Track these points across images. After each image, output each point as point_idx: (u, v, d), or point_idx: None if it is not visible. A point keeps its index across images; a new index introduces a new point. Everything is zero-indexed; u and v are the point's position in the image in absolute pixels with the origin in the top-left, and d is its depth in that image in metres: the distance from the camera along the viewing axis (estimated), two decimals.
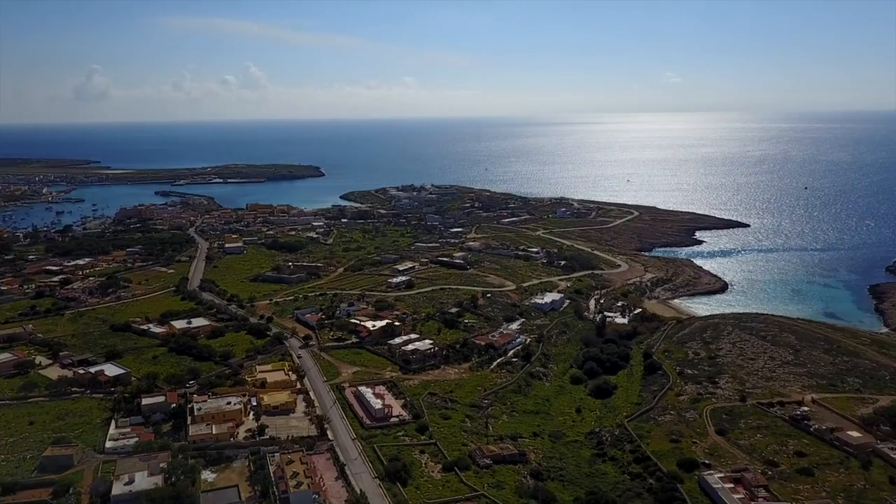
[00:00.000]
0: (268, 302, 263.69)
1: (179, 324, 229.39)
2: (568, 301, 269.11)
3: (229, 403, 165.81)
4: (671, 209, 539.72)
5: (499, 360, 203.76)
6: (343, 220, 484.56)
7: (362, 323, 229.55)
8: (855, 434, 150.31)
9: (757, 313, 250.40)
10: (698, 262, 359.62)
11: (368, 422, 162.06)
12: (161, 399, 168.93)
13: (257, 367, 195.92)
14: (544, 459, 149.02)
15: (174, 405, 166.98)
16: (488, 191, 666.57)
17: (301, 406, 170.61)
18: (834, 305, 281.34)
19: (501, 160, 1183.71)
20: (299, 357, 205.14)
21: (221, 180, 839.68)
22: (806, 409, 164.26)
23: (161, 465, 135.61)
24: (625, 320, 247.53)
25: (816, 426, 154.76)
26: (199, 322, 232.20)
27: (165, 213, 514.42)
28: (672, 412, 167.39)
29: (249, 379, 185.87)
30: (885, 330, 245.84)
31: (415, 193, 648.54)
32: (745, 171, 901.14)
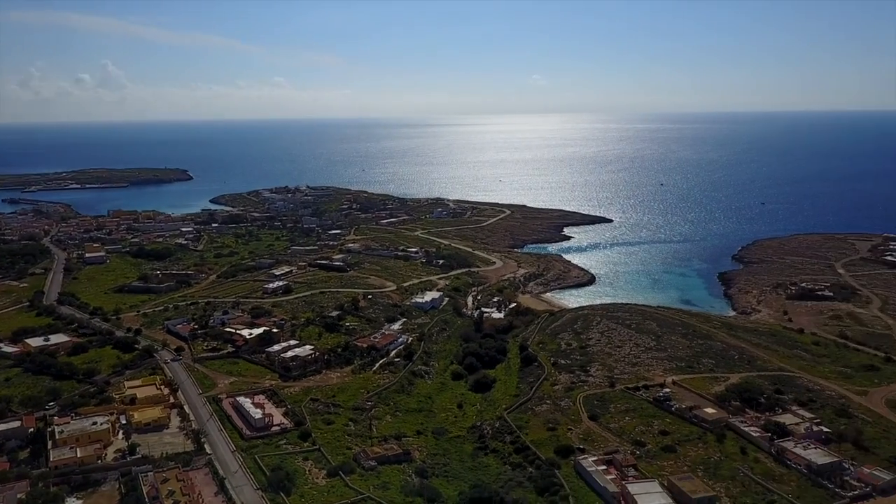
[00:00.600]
0: (135, 314, 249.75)
1: (35, 341, 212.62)
2: (447, 299, 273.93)
3: (95, 424, 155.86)
4: (541, 207, 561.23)
5: (381, 362, 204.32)
6: (214, 225, 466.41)
7: (238, 331, 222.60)
8: (710, 411, 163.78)
9: (622, 303, 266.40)
10: (567, 256, 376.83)
11: (248, 432, 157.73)
12: (16, 424, 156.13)
13: (126, 382, 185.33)
14: (428, 457, 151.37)
15: (31, 430, 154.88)
16: (366, 192, 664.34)
17: (175, 421, 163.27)
18: (689, 293, 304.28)
19: (378, 161, 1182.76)
20: (170, 369, 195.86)
21: (79, 186, 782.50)
22: (668, 390, 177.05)
23: (18, 495, 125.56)
24: (501, 315, 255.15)
25: (677, 406, 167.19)
26: (57, 338, 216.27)
27: (15, 223, 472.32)
28: (548, 401, 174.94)
29: (117, 396, 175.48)
30: (732, 313, 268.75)
31: (290, 195, 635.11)
32: (606, 169, 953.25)
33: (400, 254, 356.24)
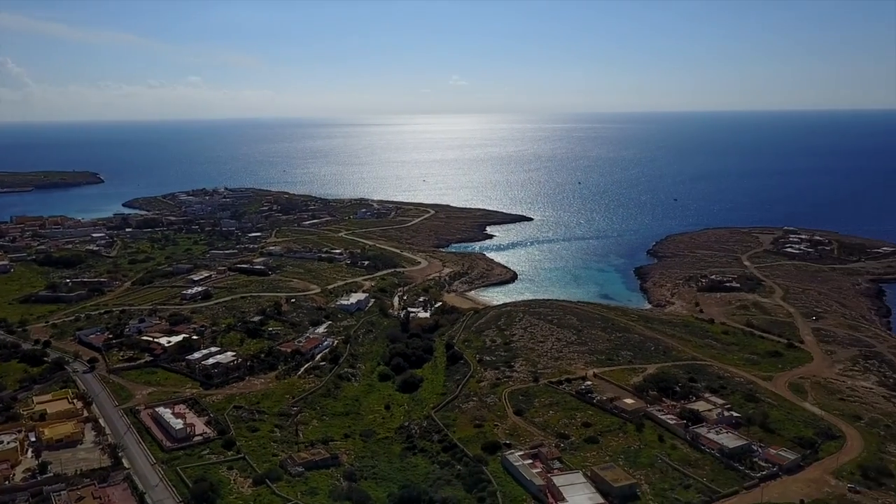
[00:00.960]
0: (43, 325, 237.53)
1: None
2: (373, 300, 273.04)
3: (1, 443, 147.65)
4: (464, 207, 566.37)
5: (307, 366, 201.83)
6: (128, 230, 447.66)
7: (156, 340, 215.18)
8: (630, 401, 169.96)
9: (544, 299, 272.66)
10: (490, 255, 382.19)
11: (169, 444, 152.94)
12: None
13: (35, 397, 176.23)
14: (357, 460, 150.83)
15: None
16: (287, 193, 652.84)
17: (90, 436, 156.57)
18: (607, 287, 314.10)
19: (299, 161, 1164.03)
20: (83, 381, 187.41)
21: None
22: (589, 383, 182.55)
23: None
24: (427, 314, 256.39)
25: (599, 398, 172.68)
26: None
27: None
28: (475, 398, 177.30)
29: (25, 412, 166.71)
30: (648, 306, 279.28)
31: (207, 198, 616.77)
32: (527, 168, 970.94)
33: (324, 255, 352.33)
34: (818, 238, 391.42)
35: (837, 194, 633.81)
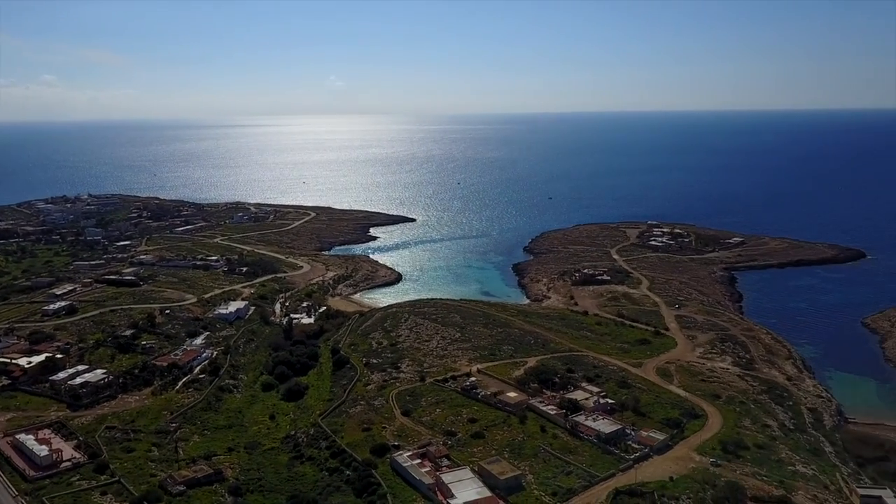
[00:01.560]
0: None
1: None
2: (253, 308, 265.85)
3: None
4: (346, 208, 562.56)
5: (185, 380, 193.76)
6: None
7: (14, 360, 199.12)
8: (513, 395, 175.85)
9: (428, 298, 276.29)
10: (374, 256, 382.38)
11: (33, 473, 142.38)
12: None
13: None
14: (242, 473, 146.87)
15: None
16: (158, 198, 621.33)
17: None
18: (488, 284, 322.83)
19: (170, 165, 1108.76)
20: None
21: None
22: (474, 379, 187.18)
23: None
24: (311, 320, 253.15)
25: (483, 393, 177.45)
26: None
27: None
28: (362, 402, 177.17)
29: None
30: (527, 301, 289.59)
31: (69, 206, 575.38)
32: (409, 169, 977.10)
33: (199, 263, 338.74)
34: (678, 231, 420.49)
35: (701, 190, 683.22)
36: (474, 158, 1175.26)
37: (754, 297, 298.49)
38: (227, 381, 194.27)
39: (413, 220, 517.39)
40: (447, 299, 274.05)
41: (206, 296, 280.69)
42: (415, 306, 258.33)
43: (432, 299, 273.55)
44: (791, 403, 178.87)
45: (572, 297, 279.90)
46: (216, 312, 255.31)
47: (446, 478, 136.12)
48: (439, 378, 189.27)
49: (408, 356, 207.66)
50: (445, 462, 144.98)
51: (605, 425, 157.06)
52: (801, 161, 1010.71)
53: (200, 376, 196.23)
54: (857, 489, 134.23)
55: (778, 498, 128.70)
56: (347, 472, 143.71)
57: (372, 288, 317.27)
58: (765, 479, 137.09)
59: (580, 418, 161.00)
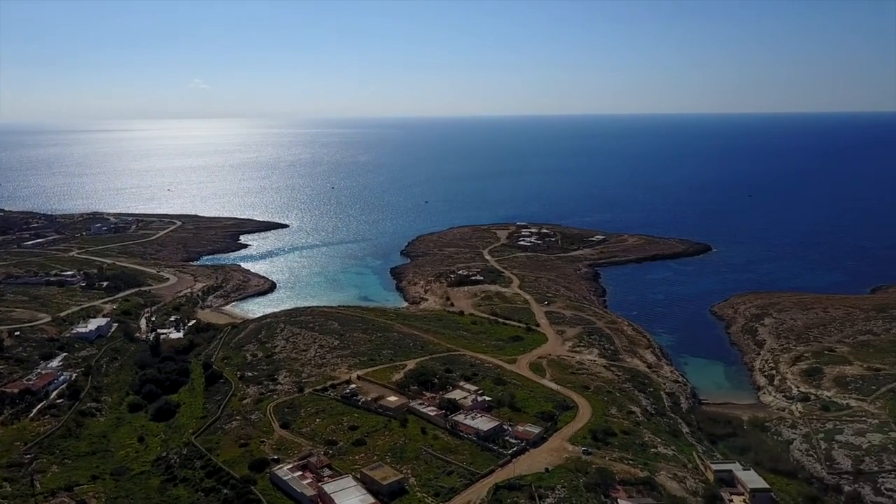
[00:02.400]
0: None
1: None
2: (116, 324, 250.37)
3: None
4: (214, 216, 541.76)
5: (40, 406, 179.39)
6: None
7: None
8: (393, 399, 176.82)
9: (304, 306, 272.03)
10: (246, 265, 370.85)
11: None
12: None
13: None
14: (109, 502, 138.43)
15: None
16: (2, 210, 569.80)
17: None
18: (366, 289, 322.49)
19: (14, 173, 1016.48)
20: None
21: None
22: (354, 385, 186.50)
23: None
24: (180, 334, 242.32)
25: (363, 399, 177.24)
26: None
27: None
28: (238, 417, 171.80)
29: None
30: (405, 304, 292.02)
31: None
32: (280, 174, 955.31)
33: (53, 279, 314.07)
34: (545, 231, 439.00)
35: (567, 191, 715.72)
36: (345, 162, 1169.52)
37: (616, 291, 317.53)
38: (88, 404, 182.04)
39: (286, 225, 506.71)
40: (324, 307, 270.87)
41: (63, 314, 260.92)
42: (290, 315, 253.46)
43: (309, 307, 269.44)
44: (652, 390, 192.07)
45: (448, 298, 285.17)
46: (74, 331, 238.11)
47: (328, 488, 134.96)
48: (318, 387, 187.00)
49: (285, 367, 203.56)
50: (327, 472, 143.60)
51: (484, 423, 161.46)
52: (664, 160, 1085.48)
53: (58, 401, 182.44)
54: (711, 465, 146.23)
55: (643, 479, 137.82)
56: (225, 491, 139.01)
57: (244, 298, 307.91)
58: (631, 462, 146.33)
59: (459, 417, 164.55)
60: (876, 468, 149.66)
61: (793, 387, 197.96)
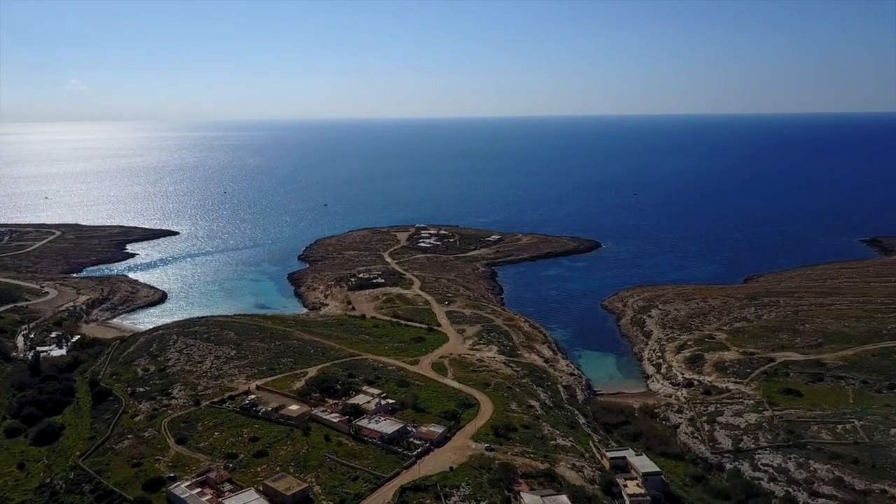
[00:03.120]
0: None
1: None
2: None
3: None
4: (98, 224, 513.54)
5: None
6: None
7: None
8: (294, 407, 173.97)
9: (198, 317, 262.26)
10: (134, 275, 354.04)
11: None
12: None
13: None
14: None
15: None
16: None
17: None
18: (263, 297, 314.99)
19: None
20: None
21: None
22: (253, 396, 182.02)
23: None
24: (63, 351, 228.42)
25: (264, 409, 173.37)
26: None
27: None
28: (130, 436, 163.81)
29: None
30: (304, 311, 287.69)
31: None
32: (169, 179, 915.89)
33: None
34: (444, 232, 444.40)
35: (465, 193, 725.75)
36: (236, 165, 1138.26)
37: (513, 289, 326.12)
38: None
39: (176, 233, 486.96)
40: (220, 316, 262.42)
41: None
42: (184, 326, 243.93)
43: (203, 317, 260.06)
44: (549, 383, 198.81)
45: (349, 303, 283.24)
46: None
47: (229, 503, 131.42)
48: (216, 400, 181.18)
49: (179, 380, 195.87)
50: (228, 486, 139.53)
51: (388, 426, 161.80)
52: (554, 162, 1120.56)
53: None
54: (607, 453, 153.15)
55: (544, 471, 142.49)
56: None
57: (133, 310, 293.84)
58: (532, 456, 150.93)
59: (363, 422, 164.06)
60: (753, 445, 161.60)
61: (678, 374, 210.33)
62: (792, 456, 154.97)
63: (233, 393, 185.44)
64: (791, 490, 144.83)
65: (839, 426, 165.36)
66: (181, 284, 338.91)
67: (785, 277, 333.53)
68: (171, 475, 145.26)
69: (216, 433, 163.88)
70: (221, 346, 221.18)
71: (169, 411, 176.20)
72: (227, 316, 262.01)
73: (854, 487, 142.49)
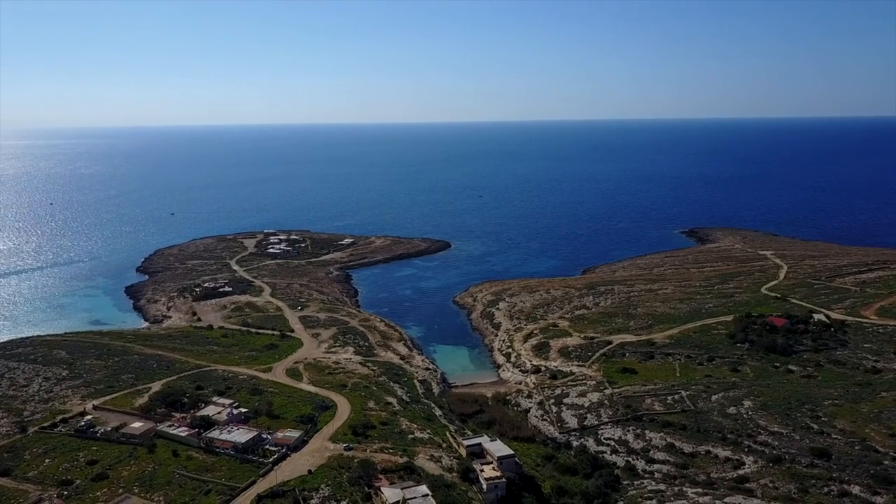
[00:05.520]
0: None
1: None
2: None
3: None
4: None
5: None
6: None
7: None
8: (138, 424, 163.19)
9: (23, 338, 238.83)
10: None
11: None
12: None
13: None
14: None
15: None
16: None
17: None
18: (97, 312, 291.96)
19: None
20: None
21: None
22: (90, 416, 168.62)
23: None
24: None
25: (102, 430, 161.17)
26: None
27: None
28: None
29: None
30: (145, 324, 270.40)
31: None
32: None
33: None
34: (294, 237, 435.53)
35: (315, 197, 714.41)
36: (67, 175, 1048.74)
37: (368, 291, 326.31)
38: None
39: None
40: (48, 335, 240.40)
41: None
42: (5, 349, 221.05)
43: (28, 338, 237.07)
44: (406, 379, 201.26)
45: (195, 313, 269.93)
46: None
47: None
48: (46, 425, 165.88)
49: (1, 407, 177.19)
50: None
51: (241, 434, 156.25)
52: (406, 167, 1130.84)
53: None
54: (463, 441, 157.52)
55: (403, 465, 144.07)
56: None
57: None
58: (391, 451, 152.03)
59: (214, 433, 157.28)
60: (596, 422, 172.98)
61: (526, 361, 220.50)
62: (630, 428, 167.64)
63: (66, 415, 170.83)
64: (631, 459, 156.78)
65: (669, 397, 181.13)
66: (1, 304, 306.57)
67: (618, 267, 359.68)
68: None
69: (47, 460, 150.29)
70: (51, 367, 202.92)
71: None
72: (56, 335, 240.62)
73: (684, 451, 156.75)
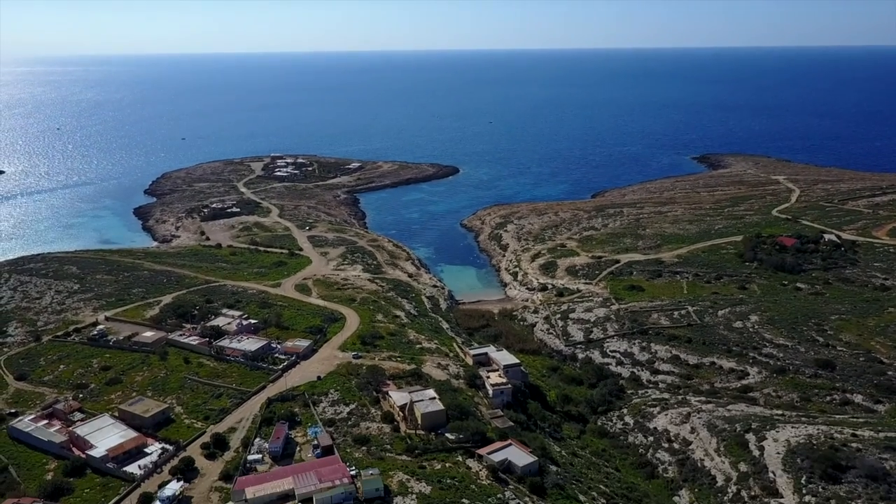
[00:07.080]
0: None
1: None
2: None
3: None
4: None
5: None
6: None
7: None
8: (149, 334, 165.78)
9: (34, 254, 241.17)
10: None
11: None
12: None
13: None
14: None
15: None
16: None
17: None
18: (107, 232, 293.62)
19: None
20: None
21: None
22: (102, 326, 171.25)
23: None
24: None
25: (115, 339, 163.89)
26: None
27: None
28: None
29: None
30: (154, 244, 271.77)
31: None
32: None
33: None
34: (301, 161, 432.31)
35: (322, 123, 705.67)
36: (72, 100, 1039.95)
37: (375, 214, 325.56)
38: None
39: (2, 172, 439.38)
40: (59, 252, 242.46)
41: None
42: (17, 264, 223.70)
43: (40, 254, 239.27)
44: (414, 295, 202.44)
45: (203, 233, 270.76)
46: None
47: (82, 430, 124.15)
48: (59, 334, 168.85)
49: (15, 318, 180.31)
50: (79, 416, 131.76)
51: (251, 343, 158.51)
52: (416, 94, 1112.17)
53: None
54: (469, 350, 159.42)
55: (410, 371, 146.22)
56: None
57: None
58: (399, 359, 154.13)
59: (225, 342, 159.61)
60: (602, 335, 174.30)
61: (533, 279, 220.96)
62: (636, 341, 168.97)
63: (79, 325, 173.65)
64: (636, 371, 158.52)
65: (675, 312, 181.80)
66: (12, 224, 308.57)
67: (628, 191, 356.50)
68: (12, 411, 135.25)
69: (62, 366, 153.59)
70: (62, 281, 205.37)
71: (5, 349, 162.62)
72: (67, 252, 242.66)
73: (689, 363, 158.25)
